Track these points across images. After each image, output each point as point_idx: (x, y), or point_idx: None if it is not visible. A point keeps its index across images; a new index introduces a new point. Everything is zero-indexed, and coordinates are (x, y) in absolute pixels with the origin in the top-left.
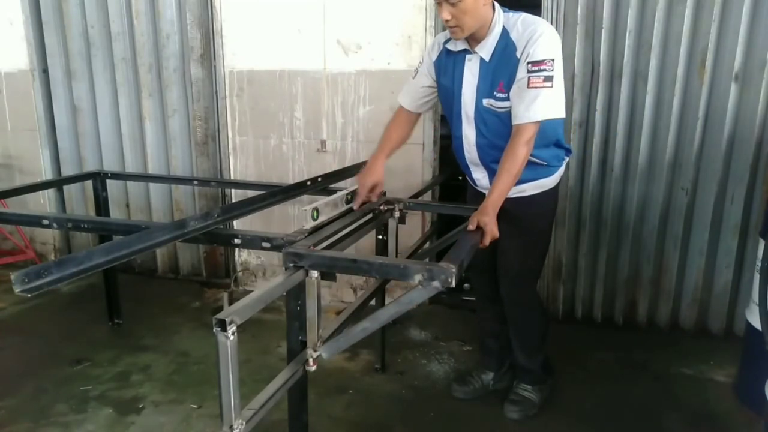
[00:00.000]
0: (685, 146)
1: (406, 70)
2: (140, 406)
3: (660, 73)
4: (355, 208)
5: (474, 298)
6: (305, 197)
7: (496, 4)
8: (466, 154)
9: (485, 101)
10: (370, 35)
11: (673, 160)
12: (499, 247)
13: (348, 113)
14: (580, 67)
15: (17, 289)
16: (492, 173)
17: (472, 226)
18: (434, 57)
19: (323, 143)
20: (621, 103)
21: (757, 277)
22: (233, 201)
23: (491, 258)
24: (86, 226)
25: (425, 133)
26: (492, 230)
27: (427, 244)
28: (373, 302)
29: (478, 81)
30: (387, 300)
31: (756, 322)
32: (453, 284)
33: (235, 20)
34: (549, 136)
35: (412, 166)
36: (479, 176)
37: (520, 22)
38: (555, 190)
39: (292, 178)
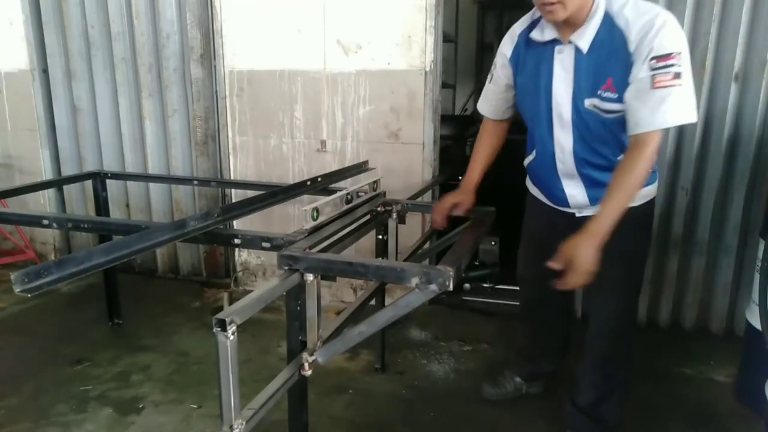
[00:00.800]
0: (685, 146)
1: (406, 70)
2: (140, 406)
3: None
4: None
5: (517, 302)
6: (305, 197)
7: None
8: (559, 164)
9: (588, 102)
10: (370, 35)
11: (673, 160)
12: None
13: (348, 113)
14: None
15: (17, 289)
16: (592, 184)
17: (558, 265)
18: (509, 53)
19: (323, 143)
20: None
21: (757, 277)
22: (233, 201)
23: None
24: (86, 226)
25: (425, 133)
26: (588, 269)
27: (427, 244)
28: (373, 302)
29: (574, 77)
30: (387, 300)
31: (756, 322)
32: (450, 288)
33: (235, 20)
34: None
35: (412, 166)
36: (574, 192)
37: (629, 8)
38: (654, 202)
39: (292, 178)
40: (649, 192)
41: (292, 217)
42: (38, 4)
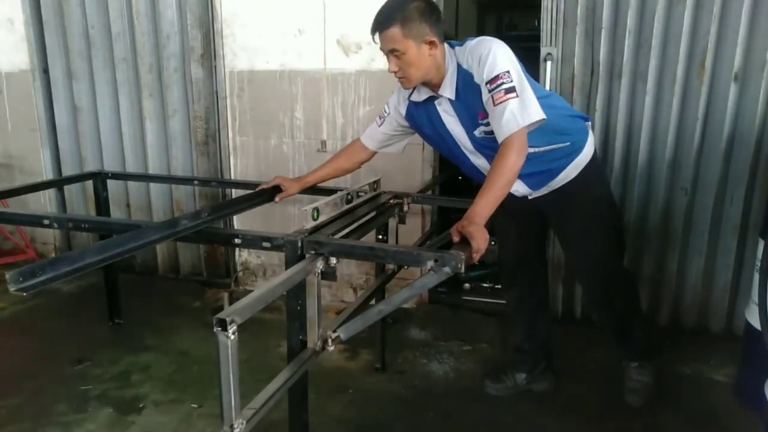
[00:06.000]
0: (685, 146)
1: None
2: (141, 406)
3: (659, 73)
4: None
5: (505, 301)
6: (305, 197)
7: (446, 45)
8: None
9: (476, 132)
10: (370, 35)
11: (672, 160)
12: (565, 242)
13: (348, 113)
14: (580, 67)
15: (12, 288)
16: (524, 178)
17: (456, 238)
18: (404, 112)
19: (323, 143)
20: (620, 104)
21: (756, 277)
22: None
23: (530, 254)
24: (87, 226)
25: None
26: (479, 243)
27: (427, 243)
28: (373, 302)
29: (459, 118)
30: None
31: (756, 322)
32: (462, 270)
33: (235, 20)
34: (553, 124)
35: (411, 166)
36: (516, 187)
37: (467, 51)
38: (594, 162)
39: None
40: (580, 161)
41: (293, 217)
42: (39, 4)
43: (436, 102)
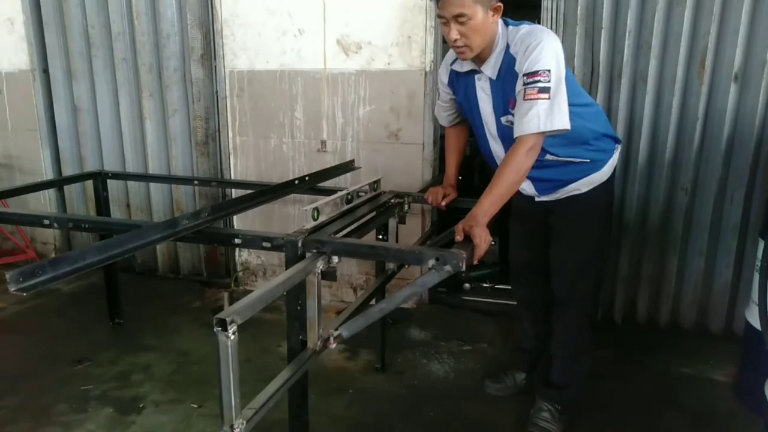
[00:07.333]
0: (685, 146)
1: (406, 70)
2: (141, 406)
3: (660, 73)
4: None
5: (513, 302)
6: (306, 197)
7: (501, 21)
8: None
9: (503, 119)
10: (370, 35)
11: (672, 160)
12: (552, 248)
13: (348, 113)
14: (580, 67)
15: (12, 288)
16: (534, 180)
17: (459, 237)
18: (446, 80)
19: (323, 143)
20: (621, 104)
21: (756, 276)
22: None
23: (537, 255)
24: (87, 225)
25: (425, 133)
26: (481, 242)
27: (427, 243)
28: (373, 302)
29: (492, 100)
30: None
31: (755, 322)
32: (464, 269)
33: (235, 20)
34: (581, 136)
35: (411, 166)
36: (523, 185)
37: (519, 35)
38: (608, 184)
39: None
40: (594, 179)
41: (293, 217)
42: (39, 4)
43: (476, 76)
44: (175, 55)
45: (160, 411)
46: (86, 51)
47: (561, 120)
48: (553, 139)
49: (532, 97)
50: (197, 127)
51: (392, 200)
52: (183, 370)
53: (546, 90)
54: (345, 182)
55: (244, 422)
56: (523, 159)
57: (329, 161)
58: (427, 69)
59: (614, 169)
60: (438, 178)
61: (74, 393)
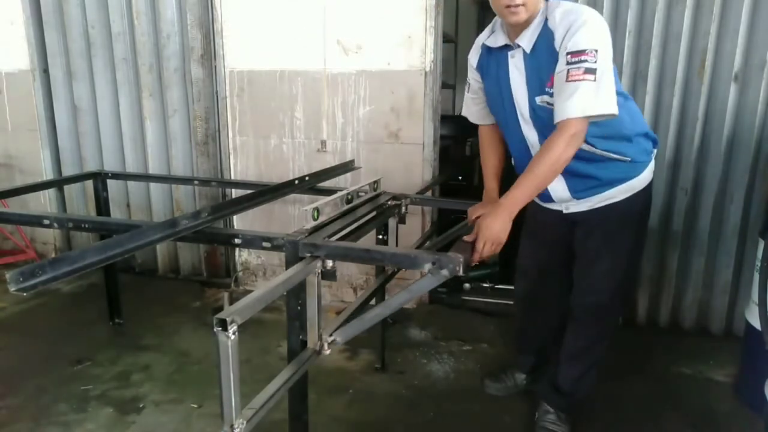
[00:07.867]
0: (685, 146)
1: (406, 71)
2: (141, 406)
3: (660, 73)
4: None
5: (513, 301)
6: (306, 197)
7: None
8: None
9: (538, 99)
10: (370, 35)
11: (672, 160)
12: (577, 264)
13: (348, 113)
14: None
15: (12, 288)
16: (569, 176)
17: (470, 222)
18: (475, 62)
19: (323, 143)
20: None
21: (756, 276)
22: None
23: (551, 269)
24: (87, 226)
25: (425, 133)
26: (499, 240)
27: (427, 244)
28: (373, 302)
29: (526, 77)
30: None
31: (756, 322)
32: (461, 273)
33: (235, 20)
34: (623, 130)
35: (411, 166)
36: (556, 186)
37: (560, 12)
38: (647, 192)
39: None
40: (633, 186)
41: (293, 217)
42: (39, 4)
43: (509, 53)
44: (175, 55)
45: (160, 411)
46: (86, 51)
47: (608, 104)
48: (593, 127)
49: (577, 77)
50: (197, 127)
51: (389, 202)
52: (183, 370)
53: (592, 71)
54: (345, 182)
55: (244, 422)
56: (564, 148)
57: (329, 161)
58: (427, 69)
59: (653, 176)
60: (438, 179)
61: (74, 393)
